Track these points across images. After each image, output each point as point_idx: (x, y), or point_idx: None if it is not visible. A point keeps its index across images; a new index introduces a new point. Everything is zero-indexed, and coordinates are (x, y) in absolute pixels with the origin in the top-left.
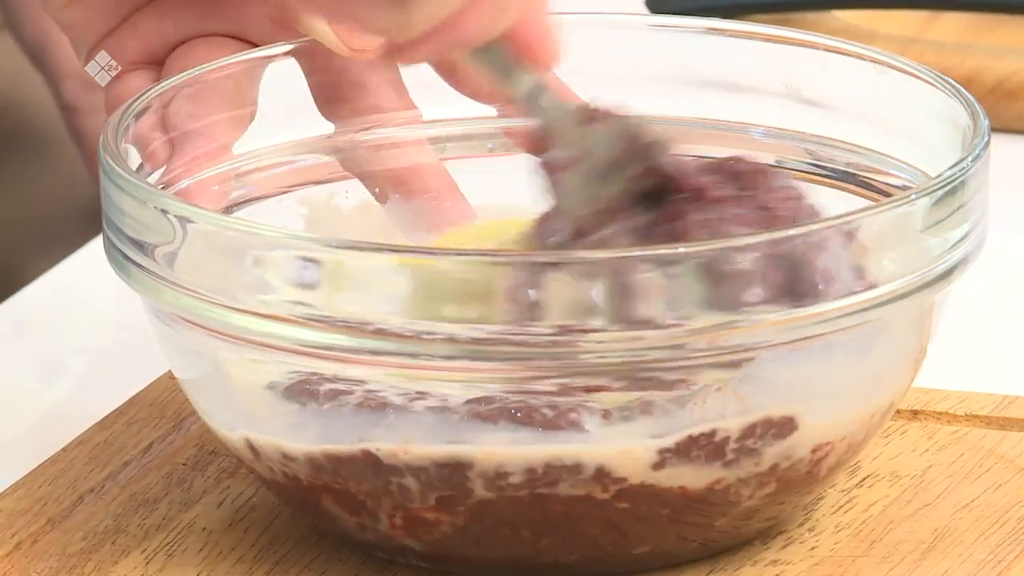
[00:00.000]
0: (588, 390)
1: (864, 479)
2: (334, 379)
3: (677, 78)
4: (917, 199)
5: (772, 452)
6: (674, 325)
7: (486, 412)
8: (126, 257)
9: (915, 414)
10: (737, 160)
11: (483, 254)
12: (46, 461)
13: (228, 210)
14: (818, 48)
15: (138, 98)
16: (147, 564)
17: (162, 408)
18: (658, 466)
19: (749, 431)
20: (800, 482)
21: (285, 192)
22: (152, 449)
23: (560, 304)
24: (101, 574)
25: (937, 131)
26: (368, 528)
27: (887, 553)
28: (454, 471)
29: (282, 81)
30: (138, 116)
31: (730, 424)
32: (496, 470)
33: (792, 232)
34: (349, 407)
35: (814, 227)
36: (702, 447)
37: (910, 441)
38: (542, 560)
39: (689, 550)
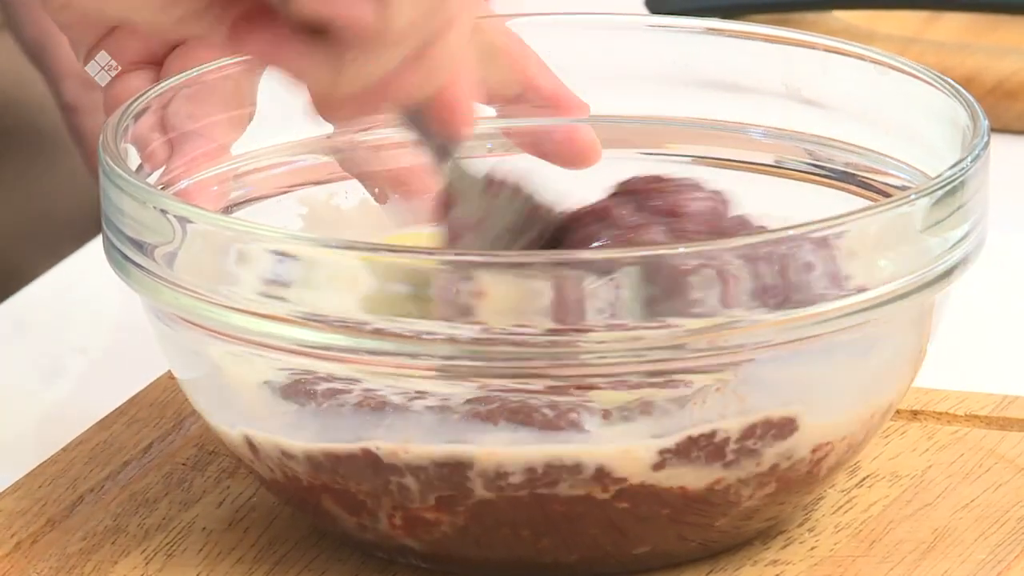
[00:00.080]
0: (588, 389)
1: (864, 479)
2: (333, 378)
3: (676, 78)
4: (917, 199)
5: (772, 452)
6: (675, 325)
7: (486, 412)
8: (125, 257)
9: (915, 414)
10: (648, 179)
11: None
12: (46, 461)
13: (228, 210)
14: (818, 48)
15: (138, 98)
16: (147, 564)
17: (162, 408)
18: (658, 466)
19: (749, 431)
20: (800, 482)
21: (285, 192)
22: (152, 449)
23: (502, 306)
24: (101, 574)
25: (937, 131)
26: (368, 528)
27: (887, 553)
28: (454, 471)
29: (282, 82)
30: (137, 116)
31: (730, 424)
32: (496, 470)
33: (792, 233)
34: (348, 406)
35: (814, 228)
36: (702, 448)
37: (910, 441)
38: (542, 560)
39: (689, 550)
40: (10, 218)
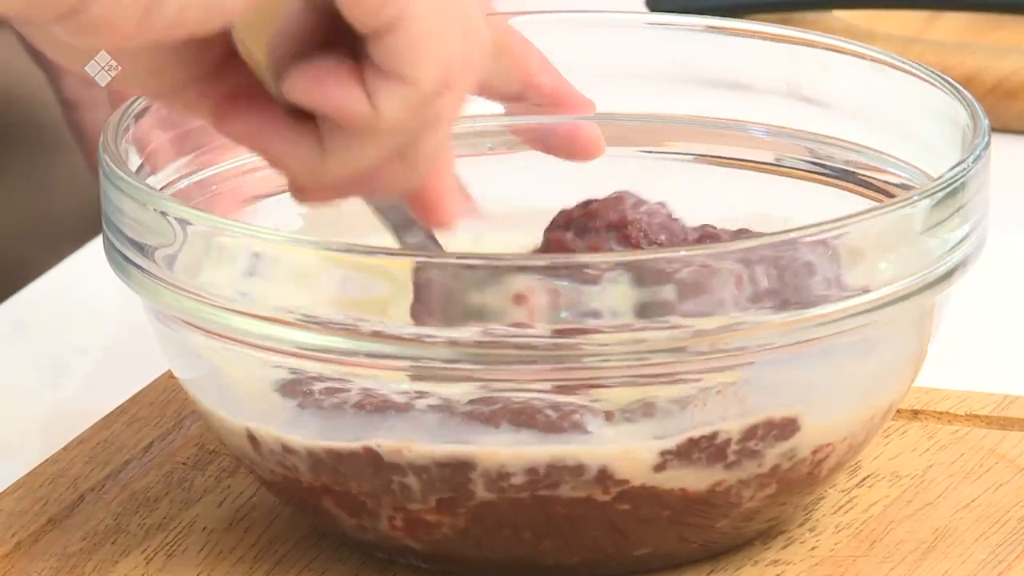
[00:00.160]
0: (591, 388)
1: (864, 479)
2: (334, 379)
3: (676, 76)
4: (918, 201)
5: (773, 453)
6: (676, 328)
7: (488, 413)
8: (126, 259)
9: (915, 414)
10: (576, 207)
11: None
12: (46, 460)
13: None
14: (818, 47)
15: (137, 99)
16: (147, 564)
17: (163, 407)
18: (659, 468)
19: (750, 433)
20: (801, 483)
21: (285, 191)
22: (152, 448)
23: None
24: (101, 574)
25: (937, 130)
26: (368, 529)
27: (888, 553)
28: (456, 471)
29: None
30: (138, 116)
31: (731, 426)
32: (498, 470)
33: (793, 235)
34: (349, 408)
35: (815, 230)
36: (703, 449)
37: (911, 441)
38: (543, 562)
39: (690, 551)
40: (11, 216)
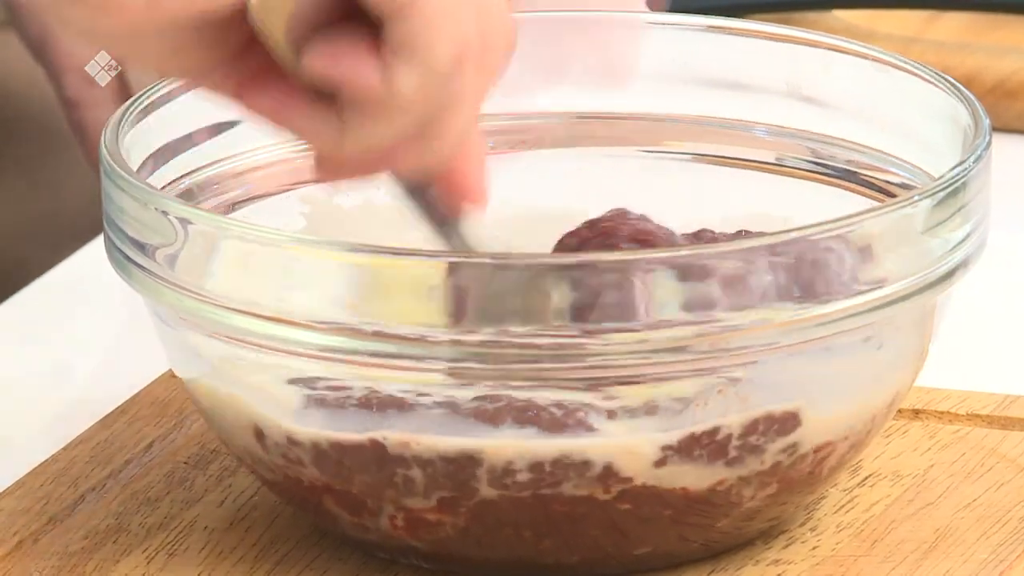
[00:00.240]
0: (593, 389)
1: (866, 478)
2: (337, 378)
3: (677, 76)
4: (919, 200)
5: (774, 451)
6: (678, 327)
7: (493, 411)
8: (127, 258)
9: (917, 413)
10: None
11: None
12: (47, 459)
13: (229, 209)
14: (819, 47)
15: (138, 97)
16: (148, 563)
17: (163, 406)
18: (660, 463)
19: (751, 428)
20: (802, 482)
21: (286, 191)
22: (153, 447)
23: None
24: (102, 573)
25: (937, 130)
26: (369, 528)
27: (889, 553)
28: (461, 467)
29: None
30: (138, 116)
31: (732, 421)
32: (504, 467)
33: (794, 235)
34: (354, 404)
35: (816, 229)
36: (704, 445)
37: (912, 440)
38: (544, 561)
39: (691, 551)
40: (12, 216)
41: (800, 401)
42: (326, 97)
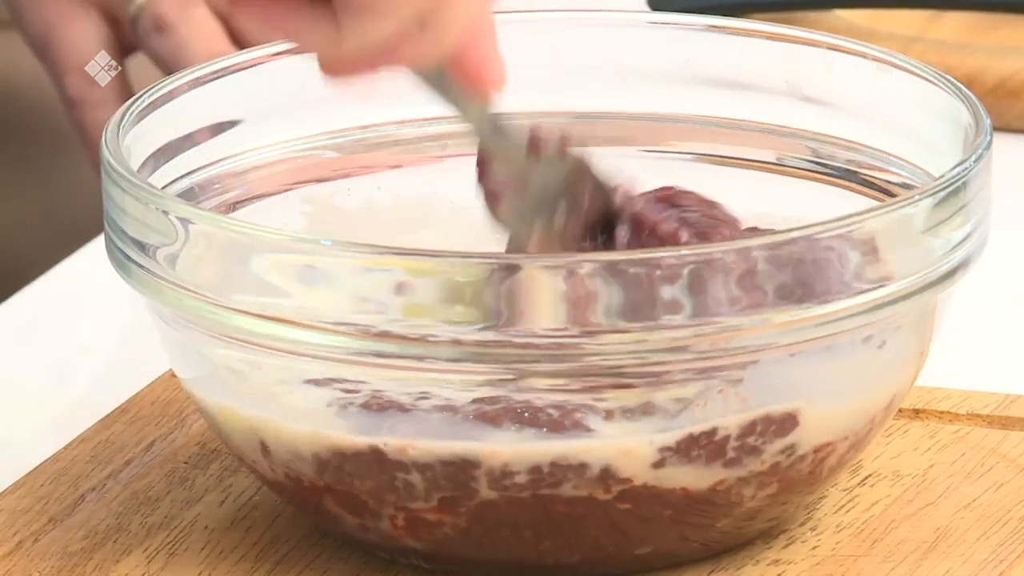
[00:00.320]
0: (593, 388)
1: (866, 478)
2: (338, 379)
3: (677, 76)
4: (919, 200)
5: (773, 451)
6: (678, 327)
7: (491, 412)
8: (128, 257)
9: (917, 413)
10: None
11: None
12: (47, 459)
13: (230, 208)
14: (820, 46)
15: (139, 97)
16: (149, 563)
17: (164, 406)
18: (658, 464)
19: (749, 429)
20: (802, 482)
21: (287, 190)
22: (154, 447)
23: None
24: (103, 573)
25: (938, 129)
26: (370, 528)
27: (889, 552)
28: (459, 469)
29: (283, 80)
30: (139, 116)
31: (730, 421)
32: (502, 469)
33: (795, 235)
34: (355, 406)
35: (817, 229)
36: (703, 446)
37: (912, 440)
38: (544, 561)
39: (691, 550)
40: (13, 215)
41: (800, 401)
42: (321, 1)
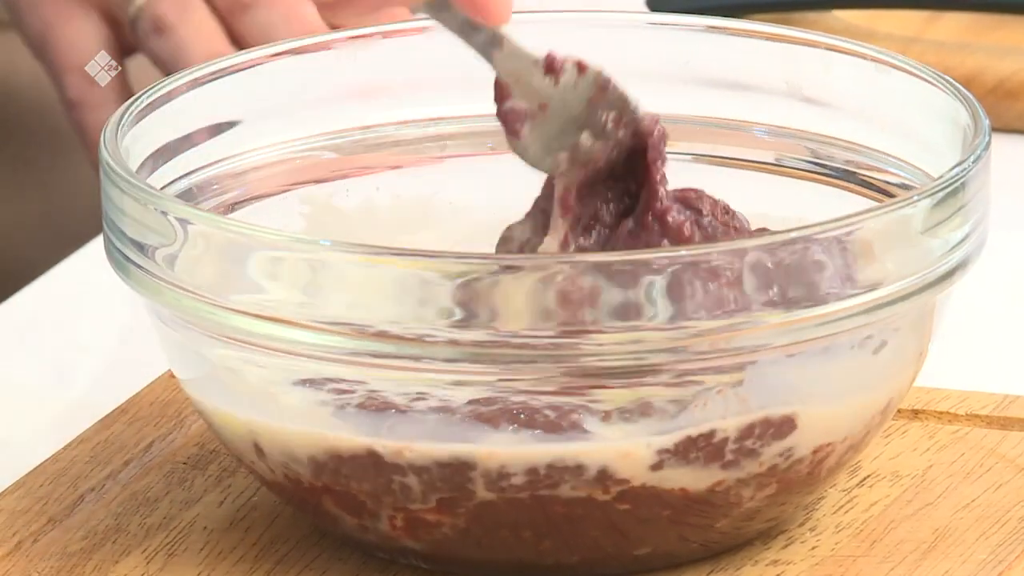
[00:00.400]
0: (590, 389)
1: (865, 479)
2: (335, 380)
3: (677, 76)
4: (918, 200)
5: (772, 453)
6: (677, 328)
7: (488, 413)
8: (126, 258)
9: (916, 413)
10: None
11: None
12: (47, 460)
13: (229, 209)
14: (819, 47)
15: (138, 97)
16: (148, 563)
17: (163, 407)
18: (656, 467)
19: (747, 431)
20: (801, 483)
21: (285, 191)
22: (153, 448)
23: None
24: (102, 573)
25: (937, 130)
26: (369, 529)
27: (888, 553)
28: (456, 471)
29: (282, 80)
30: (139, 116)
31: (728, 424)
32: (498, 471)
33: (794, 235)
34: (351, 407)
35: (816, 230)
36: (701, 448)
37: (911, 441)
38: (543, 561)
39: (690, 551)
40: (13, 216)
41: (798, 402)
42: None
